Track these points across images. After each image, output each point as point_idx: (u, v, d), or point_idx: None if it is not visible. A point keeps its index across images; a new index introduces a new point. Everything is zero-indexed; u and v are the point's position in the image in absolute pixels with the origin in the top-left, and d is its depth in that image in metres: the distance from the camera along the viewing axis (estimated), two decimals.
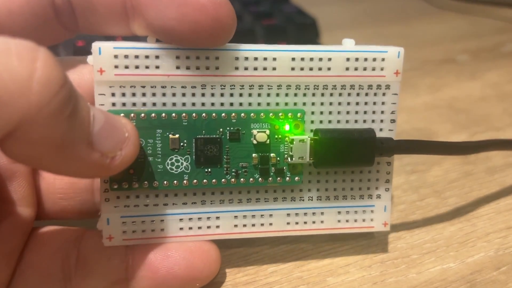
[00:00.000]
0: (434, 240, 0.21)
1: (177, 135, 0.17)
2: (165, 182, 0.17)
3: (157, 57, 0.16)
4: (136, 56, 0.16)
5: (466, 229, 0.22)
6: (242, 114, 0.17)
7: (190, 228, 0.18)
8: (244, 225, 0.18)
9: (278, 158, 0.18)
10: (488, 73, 0.35)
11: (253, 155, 0.17)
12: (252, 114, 0.17)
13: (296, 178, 0.18)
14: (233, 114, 0.17)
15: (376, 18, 0.44)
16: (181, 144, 0.17)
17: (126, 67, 0.16)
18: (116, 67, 0.16)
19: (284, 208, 0.18)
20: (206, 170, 0.17)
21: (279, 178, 0.18)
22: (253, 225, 0.18)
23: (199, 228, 0.18)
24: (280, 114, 0.17)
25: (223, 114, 0.17)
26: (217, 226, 0.18)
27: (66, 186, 0.19)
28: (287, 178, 0.18)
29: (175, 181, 0.17)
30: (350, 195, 0.19)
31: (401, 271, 0.20)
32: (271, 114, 0.17)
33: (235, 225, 0.18)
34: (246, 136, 0.17)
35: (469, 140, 0.20)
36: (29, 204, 0.18)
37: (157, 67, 0.16)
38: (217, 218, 0.18)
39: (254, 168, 0.17)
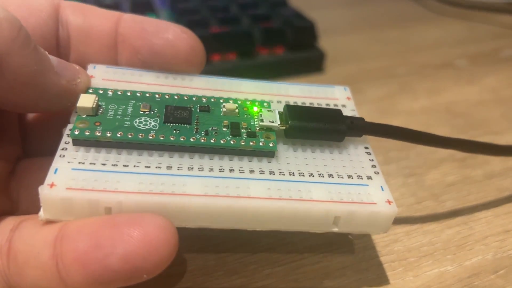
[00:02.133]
0: (431, 243, 0.21)
1: (149, 104, 0.18)
2: (129, 134, 0.16)
3: (140, 76, 0.20)
4: (123, 74, 0.20)
5: (464, 232, 0.22)
6: (213, 99, 0.19)
7: (150, 187, 0.15)
8: (216, 193, 0.16)
9: (249, 128, 0.18)
10: (486, 78, 0.35)
11: (224, 121, 0.18)
12: (221, 99, 0.19)
13: (271, 143, 0.17)
14: (204, 98, 0.19)
15: (375, 22, 0.44)
16: (152, 111, 0.18)
17: (113, 78, 0.19)
18: (104, 77, 0.19)
19: (263, 179, 0.16)
20: (174, 130, 0.17)
21: (252, 142, 0.17)
22: (227, 194, 0.16)
23: (162, 184, 0.15)
24: (248, 102, 0.19)
25: (194, 98, 0.19)
26: (183, 188, 0.15)
27: None
28: (261, 143, 0.17)
29: (140, 134, 0.16)
30: (336, 173, 0.17)
31: (398, 274, 0.19)
32: (239, 101, 0.19)
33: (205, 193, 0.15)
34: (216, 111, 0.18)
35: (440, 135, 0.21)
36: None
37: (140, 81, 0.19)
38: (184, 185, 0.16)
39: (225, 131, 0.17)
